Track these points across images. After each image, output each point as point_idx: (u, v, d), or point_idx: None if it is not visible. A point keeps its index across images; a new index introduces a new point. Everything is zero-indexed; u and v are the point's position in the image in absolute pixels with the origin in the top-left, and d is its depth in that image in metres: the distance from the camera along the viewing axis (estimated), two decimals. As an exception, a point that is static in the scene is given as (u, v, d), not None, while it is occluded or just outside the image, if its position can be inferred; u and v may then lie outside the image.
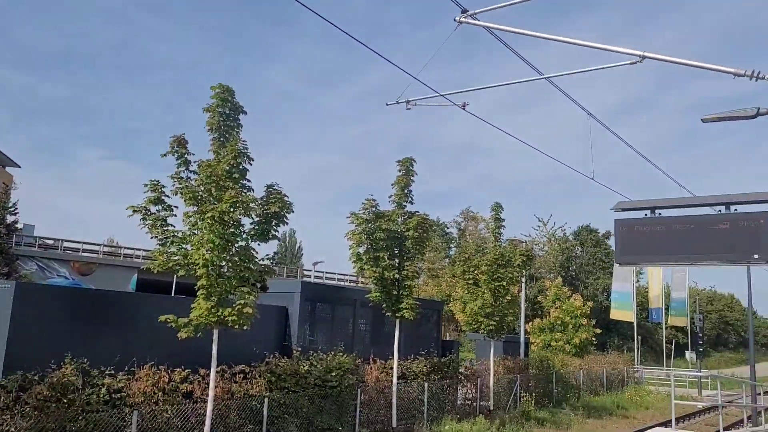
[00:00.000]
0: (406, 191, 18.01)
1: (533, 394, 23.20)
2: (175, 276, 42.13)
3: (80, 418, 10.50)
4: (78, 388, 10.95)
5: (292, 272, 69.02)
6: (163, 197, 12.61)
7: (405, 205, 17.97)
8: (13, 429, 9.80)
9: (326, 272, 67.57)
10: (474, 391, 21.25)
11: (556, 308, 39.31)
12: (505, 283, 21.31)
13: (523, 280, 27.30)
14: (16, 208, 39.16)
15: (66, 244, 51.21)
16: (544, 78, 13.28)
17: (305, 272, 67.03)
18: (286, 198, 13.13)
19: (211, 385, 11.94)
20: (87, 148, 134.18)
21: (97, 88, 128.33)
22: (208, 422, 11.76)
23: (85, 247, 52.23)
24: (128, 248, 55.45)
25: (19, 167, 62.33)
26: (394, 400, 16.99)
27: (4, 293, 11.55)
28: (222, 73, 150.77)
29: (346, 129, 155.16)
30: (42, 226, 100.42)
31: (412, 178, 18.11)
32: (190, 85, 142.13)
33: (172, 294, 37.41)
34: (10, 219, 38.51)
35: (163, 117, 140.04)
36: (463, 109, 12.16)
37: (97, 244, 54.44)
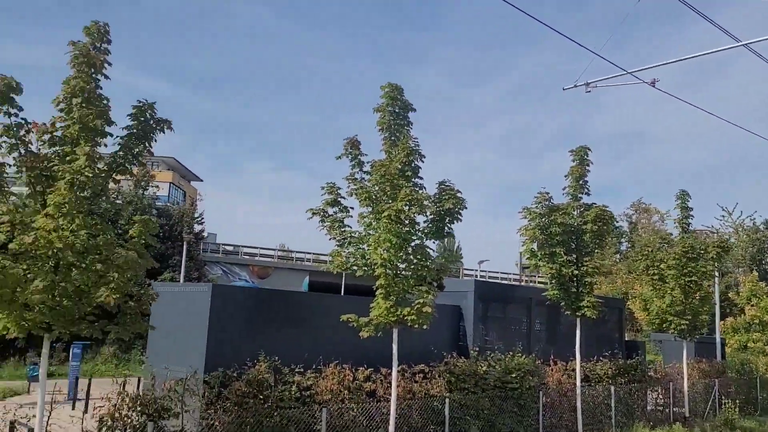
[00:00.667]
0: (581, 182, 16.94)
1: (735, 401, 20.85)
2: (344, 277, 43.56)
3: (275, 414, 10.90)
4: (271, 385, 11.41)
5: (452, 272, 68.85)
6: (339, 199, 12.86)
7: (580, 197, 16.91)
8: (217, 423, 10.39)
9: (489, 271, 66.63)
10: (666, 396, 19.51)
11: (752, 306, 35.29)
12: (696, 278, 19.36)
13: (717, 274, 24.72)
14: (203, 218, 42.84)
15: (245, 250, 55.14)
16: (742, 45, 11.80)
17: (466, 272, 66.54)
18: (459, 194, 12.81)
19: (393, 384, 11.90)
20: (256, 161, 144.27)
21: (260, 103, 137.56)
22: (392, 421, 11.74)
23: (262, 252, 55.90)
24: (299, 252, 58.60)
25: (202, 181, 68.31)
26: (578, 404, 16.00)
27: (202, 295, 12.37)
28: (372, 80, 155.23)
29: (498, 126, 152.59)
30: (222, 234, 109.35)
31: (587, 168, 17.02)
32: (343, 94, 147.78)
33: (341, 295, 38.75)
34: (197, 228, 42.19)
35: (320, 126, 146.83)
36: (653, 86, 11.06)
37: (272, 249, 58.06)
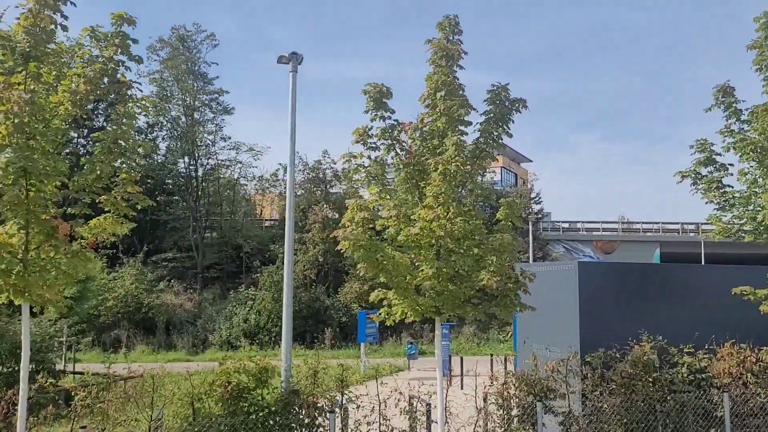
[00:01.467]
0: None
1: None
2: (702, 247, 39.17)
3: (668, 398, 10.00)
4: (657, 367, 10.51)
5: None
6: (713, 156, 11.30)
7: None
8: (606, 405, 9.94)
9: None
10: None
11: None
12: None
13: None
14: (540, 198, 42.90)
15: (586, 225, 53.62)
16: None
17: None
18: None
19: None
20: (579, 134, 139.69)
21: (580, 75, 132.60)
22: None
23: (604, 226, 53.72)
24: (644, 223, 54.75)
25: (531, 161, 68.56)
26: None
27: (569, 273, 12.03)
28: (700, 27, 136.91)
29: None
30: (556, 212, 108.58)
31: None
32: (669, 49, 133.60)
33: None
34: (536, 208, 42.41)
35: (644, 87, 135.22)
36: None
37: (614, 222, 55.41)
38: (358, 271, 9.29)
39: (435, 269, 8.92)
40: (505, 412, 10.03)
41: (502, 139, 9.87)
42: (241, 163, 46.34)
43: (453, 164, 8.93)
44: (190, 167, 44.81)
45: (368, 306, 31.35)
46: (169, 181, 44.93)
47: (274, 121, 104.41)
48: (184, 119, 44.21)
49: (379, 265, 8.74)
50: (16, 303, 8.02)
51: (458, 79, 9.57)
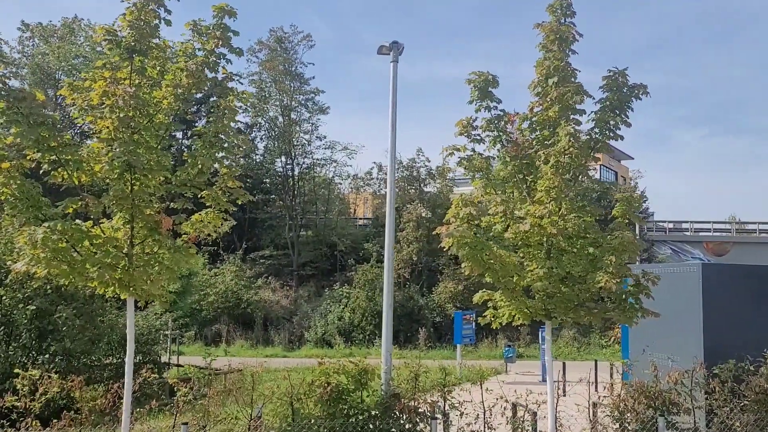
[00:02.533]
0: None
1: None
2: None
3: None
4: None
5: None
6: None
7: None
8: (737, 424, 8.91)
9: None
10: None
11: None
12: None
13: None
14: (646, 197, 40.57)
15: (695, 226, 50.32)
16: None
17: None
18: None
19: None
20: (685, 131, 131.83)
21: (685, 68, 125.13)
22: None
23: (715, 227, 50.20)
24: (762, 223, 50.65)
25: (632, 159, 65.27)
26: None
27: (691, 275, 11.00)
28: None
29: None
30: (659, 212, 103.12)
31: None
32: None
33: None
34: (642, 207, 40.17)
35: (757, 79, 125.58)
36: None
37: (727, 222, 51.69)
38: (461, 270, 8.77)
39: (546, 269, 8.27)
40: (621, 426, 9.21)
41: (619, 129, 9.04)
42: (335, 162, 46.76)
43: (566, 156, 8.25)
44: (287, 166, 45.66)
45: (463, 306, 30.89)
46: (267, 180, 45.96)
47: (366, 121, 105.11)
48: (281, 119, 45.09)
49: (486, 264, 8.18)
50: (122, 297, 8.08)
51: (571, 65, 8.84)
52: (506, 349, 24.36)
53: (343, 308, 34.17)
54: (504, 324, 8.89)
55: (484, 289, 9.05)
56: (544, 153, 8.45)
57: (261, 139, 47.18)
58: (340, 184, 49.84)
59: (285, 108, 44.54)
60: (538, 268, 8.31)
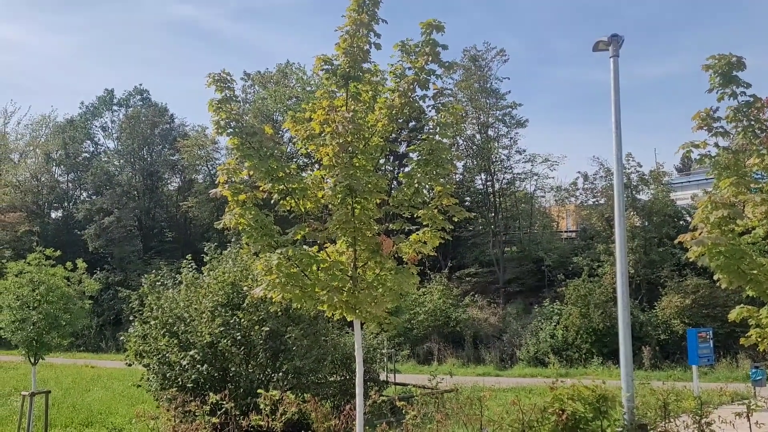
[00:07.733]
0: None
1: None
2: None
3: None
4: None
5: None
6: None
7: None
8: None
9: None
10: None
11: None
12: None
13: None
14: None
15: None
16: None
17: None
18: None
19: None
20: None
21: None
22: None
23: None
24: None
25: None
26: None
27: None
28: None
29: None
30: None
31: None
32: None
33: None
34: None
35: None
36: None
37: None
38: (687, 283, 7.61)
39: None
40: None
41: None
42: (536, 175, 45.39)
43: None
44: (487, 183, 45.22)
45: (692, 322, 27.84)
46: (468, 198, 45.91)
47: (564, 132, 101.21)
48: (478, 137, 44.88)
49: (746, 276, 6.98)
50: (348, 319, 8.20)
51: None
52: (754, 371, 21.24)
53: (555, 326, 32.63)
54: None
55: (742, 305, 7.77)
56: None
57: (459, 158, 47.35)
58: (543, 197, 48.32)
59: (482, 125, 44.33)
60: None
